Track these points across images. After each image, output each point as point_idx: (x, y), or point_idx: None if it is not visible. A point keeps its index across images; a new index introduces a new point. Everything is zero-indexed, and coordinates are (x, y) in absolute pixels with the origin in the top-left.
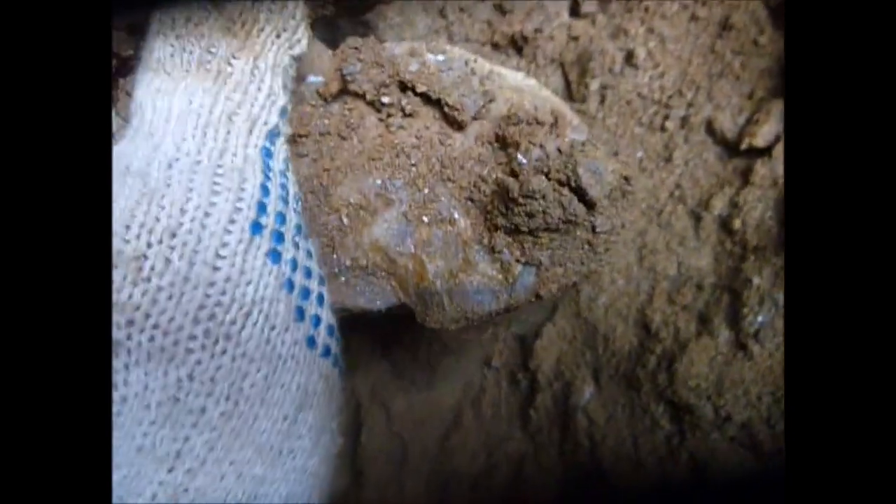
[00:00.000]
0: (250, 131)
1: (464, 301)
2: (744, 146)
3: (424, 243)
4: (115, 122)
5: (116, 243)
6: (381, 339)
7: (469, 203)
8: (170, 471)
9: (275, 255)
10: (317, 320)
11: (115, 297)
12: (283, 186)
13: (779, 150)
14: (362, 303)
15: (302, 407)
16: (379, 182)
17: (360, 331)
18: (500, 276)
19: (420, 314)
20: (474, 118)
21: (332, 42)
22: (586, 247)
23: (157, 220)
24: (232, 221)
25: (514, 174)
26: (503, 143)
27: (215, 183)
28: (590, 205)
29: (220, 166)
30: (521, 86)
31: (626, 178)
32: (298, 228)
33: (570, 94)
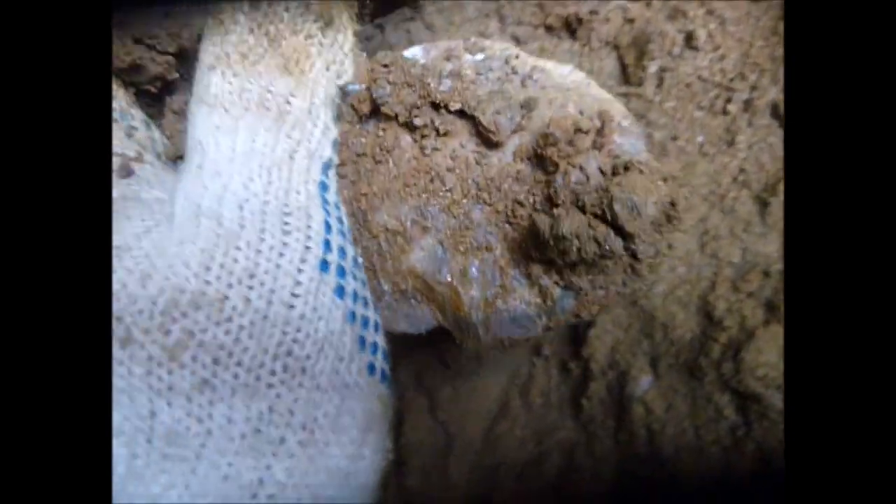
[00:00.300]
0: (308, 168)
1: (500, 330)
2: None
3: (460, 273)
4: (160, 140)
5: (197, 284)
6: None
7: (507, 226)
8: (253, 496)
9: (340, 290)
10: (375, 347)
11: (199, 336)
12: (340, 220)
13: None
14: (405, 327)
15: (366, 431)
16: (414, 208)
17: None
18: (539, 300)
19: (458, 338)
20: (512, 132)
21: (380, 28)
22: (629, 270)
23: (236, 261)
24: (303, 261)
25: (550, 200)
26: (542, 161)
27: (285, 223)
28: (628, 238)
29: (286, 205)
30: (566, 83)
31: (673, 204)
32: (355, 260)
33: (625, 78)
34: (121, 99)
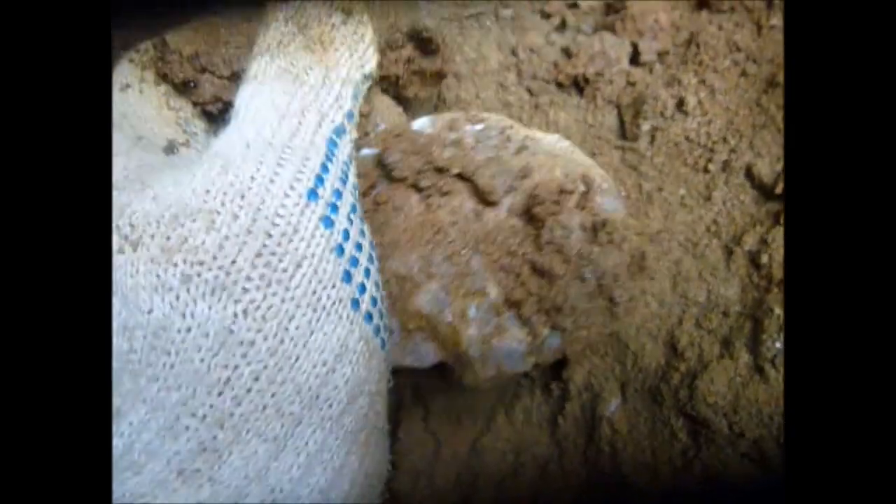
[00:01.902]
0: (319, 124)
1: (495, 364)
2: (778, 191)
3: (460, 314)
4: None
5: (197, 202)
6: None
7: (501, 273)
8: (219, 395)
9: (327, 221)
10: (363, 288)
11: (190, 241)
12: (344, 172)
13: None
14: (410, 361)
15: (340, 359)
16: (421, 257)
17: None
18: (529, 339)
19: (458, 373)
20: (506, 193)
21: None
22: (607, 313)
23: (231, 185)
24: (292, 188)
25: (539, 250)
26: (532, 218)
27: (282, 158)
28: (605, 286)
29: (288, 147)
30: (555, 150)
31: (643, 256)
32: (354, 208)
33: (623, 133)
34: (184, 109)
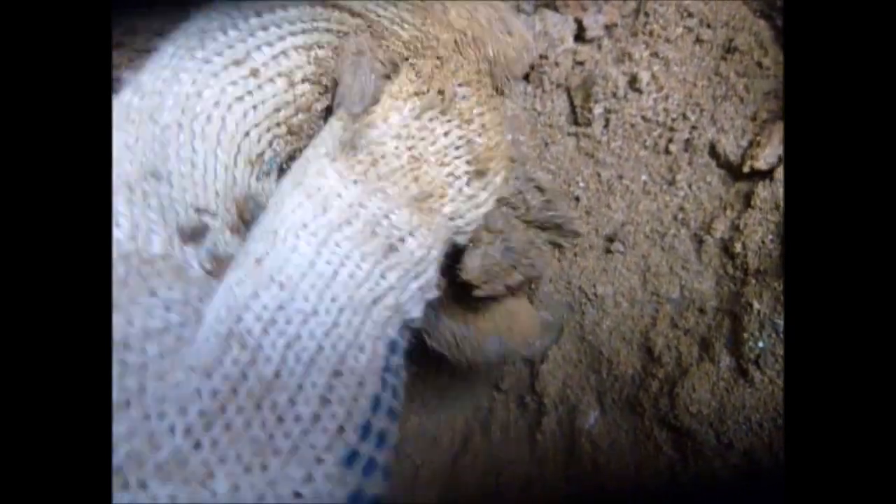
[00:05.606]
0: (388, 322)
1: None
2: (746, 169)
3: None
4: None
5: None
6: None
7: None
8: None
9: (355, 498)
10: None
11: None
12: (395, 391)
13: (780, 173)
14: None
15: None
16: None
17: None
18: None
19: None
20: None
21: None
22: None
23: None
24: (328, 449)
25: None
26: None
27: (329, 387)
28: None
29: (342, 362)
30: None
31: None
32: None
33: (575, 119)
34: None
